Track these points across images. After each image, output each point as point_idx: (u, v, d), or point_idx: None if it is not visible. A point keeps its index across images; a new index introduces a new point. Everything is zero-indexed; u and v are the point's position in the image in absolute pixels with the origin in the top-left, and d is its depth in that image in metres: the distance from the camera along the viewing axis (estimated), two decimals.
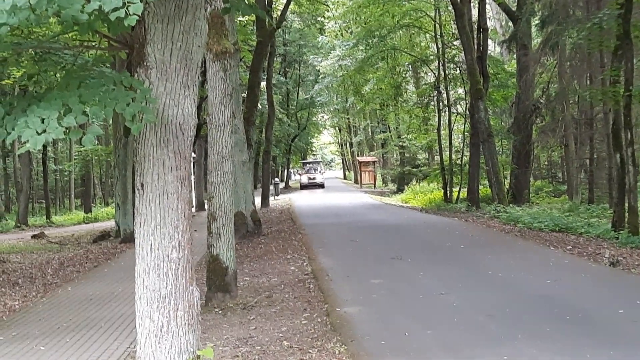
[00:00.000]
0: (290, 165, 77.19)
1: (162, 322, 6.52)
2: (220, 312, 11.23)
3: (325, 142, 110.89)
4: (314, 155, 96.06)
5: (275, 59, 44.68)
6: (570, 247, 17.20)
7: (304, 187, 65.96)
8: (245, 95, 27.41)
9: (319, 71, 58.62)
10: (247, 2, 7.65)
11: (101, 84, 6.08)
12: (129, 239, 23.02)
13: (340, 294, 12.17)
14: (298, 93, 64.63)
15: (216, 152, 12.11)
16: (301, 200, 45.69)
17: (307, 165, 73.11)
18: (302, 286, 13.24)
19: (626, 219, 18.75)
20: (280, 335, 9.48)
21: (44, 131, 5.38)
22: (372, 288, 12.70)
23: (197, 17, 6.69)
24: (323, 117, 79.55)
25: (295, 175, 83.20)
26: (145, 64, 6.51)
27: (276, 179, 55.41)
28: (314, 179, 67.20)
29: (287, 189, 68.22)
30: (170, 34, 6.48)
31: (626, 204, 18.86)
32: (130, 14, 5.08)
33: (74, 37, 7.39)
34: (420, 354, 8.20)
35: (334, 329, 9.64)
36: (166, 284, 6.53)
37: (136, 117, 5.91)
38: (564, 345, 8.28)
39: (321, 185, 66.17)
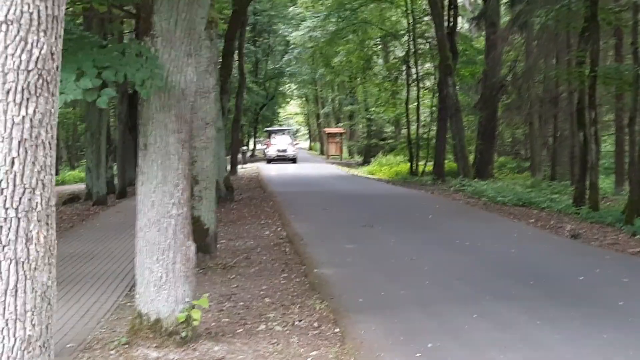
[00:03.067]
0: (257, 135, 75.92)
1: (161, 273, 7.02)
2: (201, 271, 11.67)
3: (291, 112, 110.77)
4: (280, 124, 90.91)
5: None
6: (532, 220, 17.90)
7: (271, 161, 55.43)
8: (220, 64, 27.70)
9: (288, 42, 58.69)
10: None
11: (113, 49, 6.53)
12: (102, 201, 23.31)
13: (316, 257, 12.71)
14: (267, 63, 64.22)
15: (200, 118, 12.52)
16: (268, 169, 46.00)
17: (276, 134, 61.80)
18: (278, 249, 13.75)
19: (587, 196, 19.50)
20: (262, 292, 9.99)
21: (62, 92, 5.83)
22: (346, 252, 13.29)
23: None
24: (291, 87, 78.98)
25: (262, 145, 76.74)
26: (151, 32, 6.95)
27: (244, 148, 55.31)
28: (284, 151, 56.30)
29: (254, 157, 67.57)
30: (175, 5, 6.93)
31: (587, 181, 19.61)
32: None
33: (81, 4, 7.79)
34: (396, 310, 8.80)
35: (313, 288, 10.17)
36: (165, 238, 7.02)
37: (146, 83, 6.38)
38: (528, 305, 8.93)
39: (293, 160, 55.82)
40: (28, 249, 3.51)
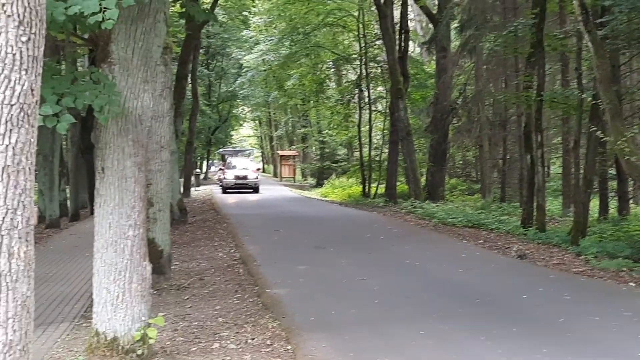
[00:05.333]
0: (210, 157, 75.41)
1: (118, 293, 7.24)
2: (155, 292, 11.83)
3: (244, 134, 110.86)
4: (234, 146, 78.61)
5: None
6: (481, 241, 18.33)
7: (227, 189, 45.32)
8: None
9: (242, 65, 58.83)
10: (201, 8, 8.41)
11: (72, 77, 6.77)
12: (55, 224, 23.26)
13: (269, 278, 12.95)
14: (220, 85, 64.03)
15: (155, 141, 12.73)
16: (221, 191, 45.95)
17: (232, 156, 52.39)
18: (232, 270, 13.97)
19: (534, 217, 19.97)
20: (215, 312, 10.22)
21: None
22: (298, 273, 13.55)
23: (158, 19, 7.43)
24: (244, 110, 78.84)
25: (215, 167, 75.45)
26: (109, 60, 7.20)
27: (197, 170, 55.06)
28: (243, 178, 45.45)
29: (207, 180, 67.32)
30: (133, 34, 7.19)
31: (535, 203, 20.08)
32: (106, 19, 5.82)
33: None
34: (345, 328, 9.09)
35: (265, 307, 10.43)
36: (122, 258, 7.25)
37: (104, 109, 6.63)
38: (473, 323, 9.28)
39: (254, 189, 45.36)
40: (10, 263, 3.99)
